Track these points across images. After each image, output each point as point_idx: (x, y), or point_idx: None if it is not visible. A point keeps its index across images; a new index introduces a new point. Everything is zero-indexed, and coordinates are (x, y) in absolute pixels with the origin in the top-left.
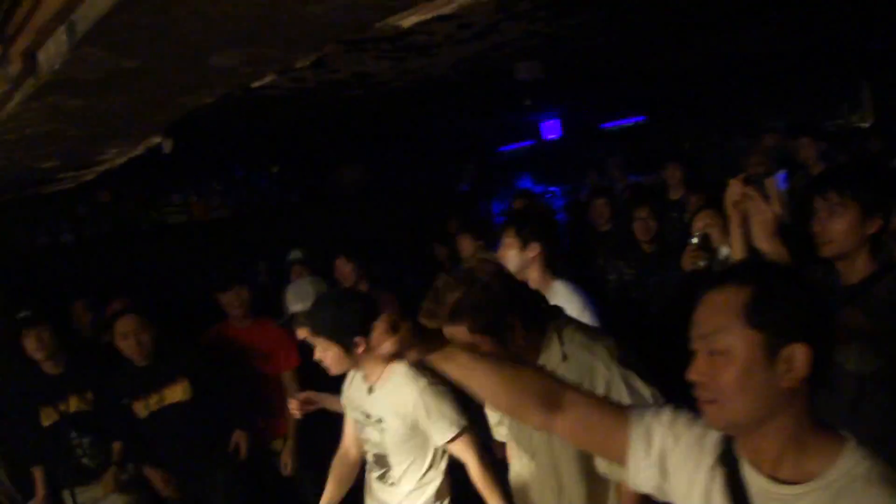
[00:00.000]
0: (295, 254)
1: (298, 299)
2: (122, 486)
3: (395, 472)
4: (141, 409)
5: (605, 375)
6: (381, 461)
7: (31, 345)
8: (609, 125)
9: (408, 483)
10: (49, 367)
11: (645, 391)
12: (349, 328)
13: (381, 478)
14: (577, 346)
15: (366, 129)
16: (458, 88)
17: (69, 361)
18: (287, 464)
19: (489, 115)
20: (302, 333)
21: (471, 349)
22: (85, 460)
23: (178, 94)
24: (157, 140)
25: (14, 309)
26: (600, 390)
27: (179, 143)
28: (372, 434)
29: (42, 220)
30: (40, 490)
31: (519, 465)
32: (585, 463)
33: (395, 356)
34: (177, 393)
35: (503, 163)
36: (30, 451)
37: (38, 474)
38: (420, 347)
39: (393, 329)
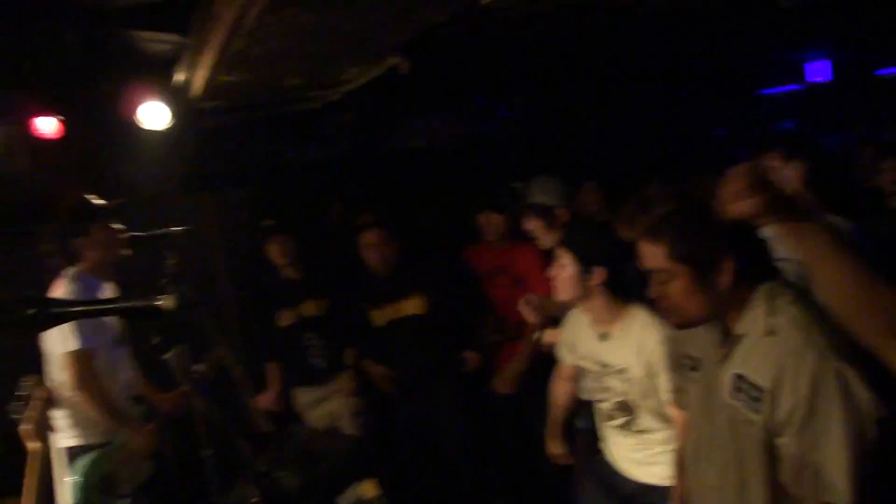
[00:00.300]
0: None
1: (542, 192)
2: (353, 390)
3: (642, 420)
4: (378, 317)
5: (815, 367)
6: (625, 408)
7: (275, 252)
8: (887, 71)
9: (656, 429)
10: (289, 273)
11: (862, 394)
12: (597, 254)
13: (625, 426)
14: (789, 322)
15: (610, 63)
16: (714, 16)
17: (308, 269)
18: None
19: (748, 50)
20: (532, 224)
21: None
22: (316, 361)
23: (408, 11)
24: (394, 60)
25: (261, 218)
26: (803, 381)
27: (420, 67)
28: (613, 383)
29: (290, 138)
30: (273, 385)
31: (694, 447)
32: (772, 471)
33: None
34: (411, 307)
35: (762, 108)
36: (267, 348)
37: (272, 370)
38: (778, 214)
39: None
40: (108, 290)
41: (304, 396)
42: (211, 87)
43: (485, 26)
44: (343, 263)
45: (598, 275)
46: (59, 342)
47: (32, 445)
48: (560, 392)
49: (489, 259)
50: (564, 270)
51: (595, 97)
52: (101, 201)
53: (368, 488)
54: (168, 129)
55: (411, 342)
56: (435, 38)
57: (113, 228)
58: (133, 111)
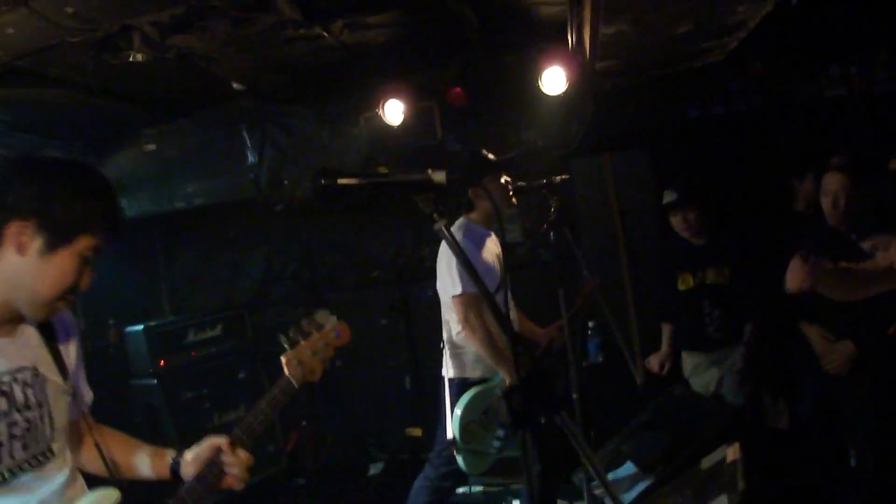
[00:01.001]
0: None
1: None
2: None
3: None
4: None
5: None
6: None
7: (677, 224)
8: None
9: None
10: (693, 239)
11: None
12: None
13: None
14: None
15: None
16: None
17: (712, 235)
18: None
19: None
20: None
21: None
22: (710, 330)
23: None
24: None
25: (661, 181)
26: None
27: (836, 9)
28: None
29: (693, 95)
30: (665, 345)
31: None
32: None
33: None
34: None
35: None
36: (663, 309)
37: (666, 331)
38: None
39: None
40: (492, 239)
41: (692, 361)
42: (601, 45)
43: None
44: (752, 232)
45: None
46: (448, 287)
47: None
48: None
49: None
50: None
51: None
52: (493, 156)
53: (731, 451)
54: (566, 93)
55: None
56: None
57: (503, 182)
58: (532, 78)
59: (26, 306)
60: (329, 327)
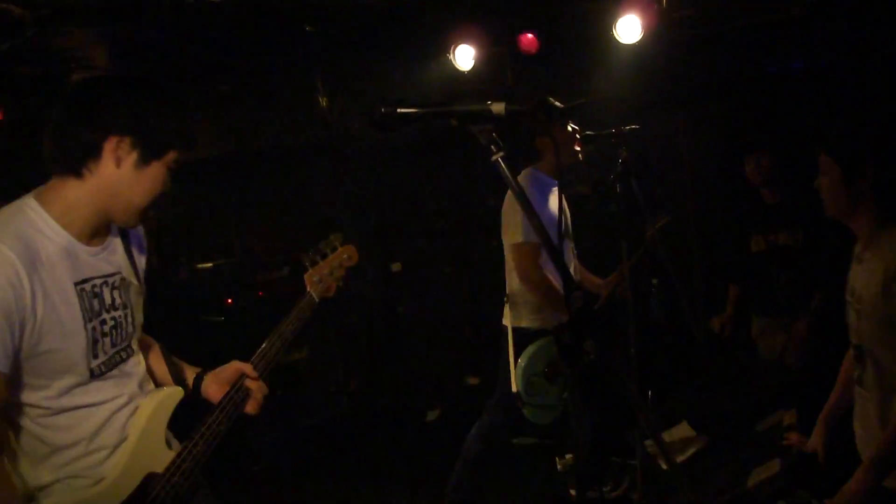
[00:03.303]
0: None
1: None
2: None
3: (868, 374)
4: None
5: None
6: (859, 356)
7: (750, 169)
8: None
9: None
10: (767, 196)
11: None
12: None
13: (859, 381)
14: None
15: None
16: None
17: (787, 194)
18: None
19: None
20: None
21: None
22: (778, 293)
23: None
24: None
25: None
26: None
27: None
28: (850, 317)
29: (772, 49)
30: (729, 307)
31: None
32: None
33: None
34: None
35: None
36: (731, 270)
37: (732, 293)
38: None
39: None
40: (557, 190)
41: (760, 323)
42: None
43: None
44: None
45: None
46: (509, 235)
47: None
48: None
49: None
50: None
51: None
52: (560, 105)
53: (788, 417)
54: (641, 42)
55: None
56: None
57: (571, 131)
58: (606, 26)
59: (121, 214)
60: (341, 249)
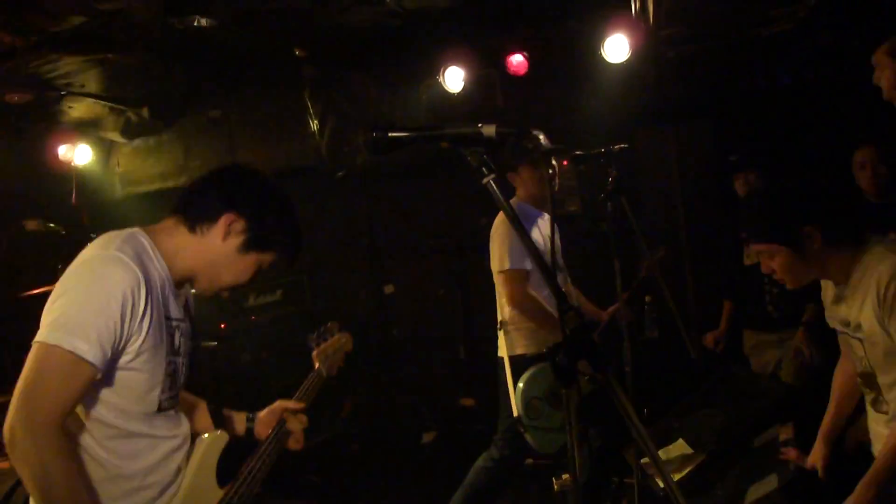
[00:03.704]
0: None
1: None
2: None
3: (889, 397)
4: None
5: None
6: (869, 382)
7: (739, 187)
8: None
9: None
10: None
11: None
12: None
13: (874, 403)
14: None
15: None
16: None
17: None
18: None
19: None
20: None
21: None
22: (770, 308)
23: None
24: None
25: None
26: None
27: None
28: (855, 346)
29: (761, 65)
30: (723, 322)
31: None
32: None
33: None
34: None
35: None
36: (725, 285)
37: (726, 308)
38: None
39: None
40: (544, 220)
41: (753, 339)
42: (666, 10)
43: None
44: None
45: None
46: (496, 262)
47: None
48: (839, 376)
49: None
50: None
51: None
52: (540, 139)
53: (784, 432)
54: (629, 61)
55: None
56: None
57: (542, 170)
58: (594, 45)
59: (204, 282)
60: (339, 335)
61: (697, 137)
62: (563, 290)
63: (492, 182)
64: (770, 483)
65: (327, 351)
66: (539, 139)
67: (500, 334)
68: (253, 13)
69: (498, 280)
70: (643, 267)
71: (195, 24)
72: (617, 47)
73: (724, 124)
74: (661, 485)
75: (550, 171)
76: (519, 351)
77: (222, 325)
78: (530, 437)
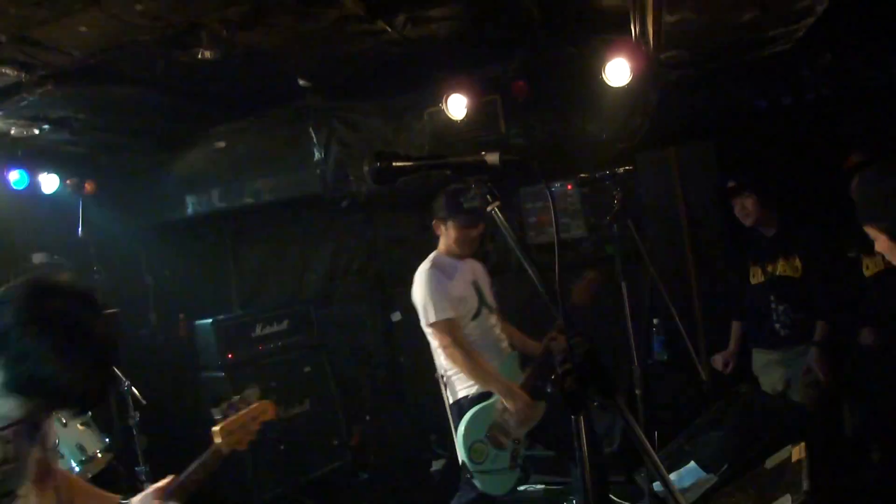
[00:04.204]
0: None
1: None
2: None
3: None
4: None
5: None
6: None
7: (738, 211)
8: None
9: None
10: (764, 230)
11: None
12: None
13: None
14: None
15: None
16: None
17: (783, 226)
18: None
19: None
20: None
21: None
22: (778, 326)
23: None
24: None
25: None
26: None
27: None
28: None
29: (761, 85)
30: (732, 343)
31: None
32: None
33: None
34: None
35: None
36: (733, 305)
37: (735, 329)
38: None
39: None
40: (467, 265)
41: (761, 358)
42: (665, 34)
43: None
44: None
45: None
46: (423, 318)
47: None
48: None
49: None
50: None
51: None
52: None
53: (797, 451)
54: (630, 85)
55: None
56: None
57: (470, 231)
58: (595, 70)
59: None
60: (258, 404)
61: (700, 159)
62: (499, 330)
63: (496, 209)
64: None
65: (233, 426)
66: (486, 197)
67: (442, 385)
68: (256, 45)
69: (429, 334)
70: (573, 292)
71: (199, 56)
72: (618, 71)
73: (725, 145)
74: None
75: (469, 232)
76: (461, 394)
77: (229, 356)
78: (479, 482)
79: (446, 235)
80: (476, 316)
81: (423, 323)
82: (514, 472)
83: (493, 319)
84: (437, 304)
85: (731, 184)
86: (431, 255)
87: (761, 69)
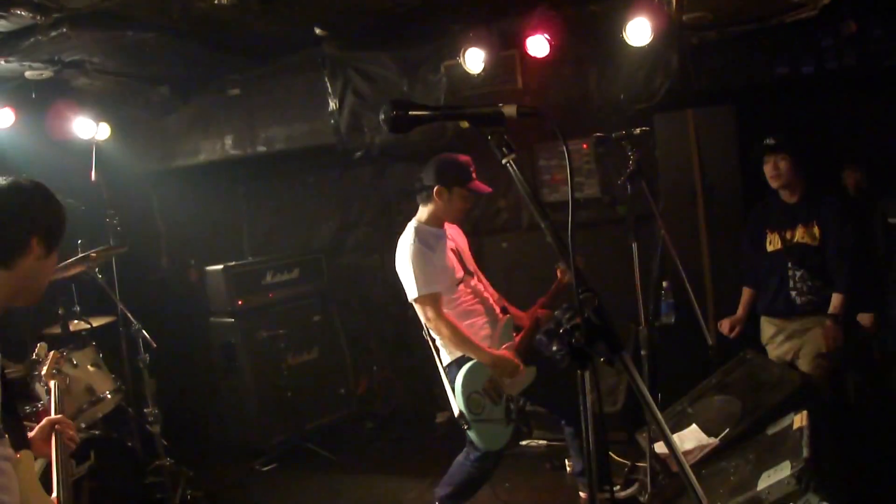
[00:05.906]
0: None
1: None
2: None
3: None
4: None
5: None
6: None
7: (769, 171)
8: None
9: None
10: (786, 196)
11: None
12: None
13: None
14: None
15: None
16: None
17: (805, 193)
18: None
19: None
20: None
21: None
22: (793, 294)
23: None
24: None
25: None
26: None
27: None
28: None
29: (783, 52)
30: (741, 309)
31: None
32: None
33: None
34: None
35: None
36: (748, 272)
37: (745, 295)
38: None
39: None
40: (452, 232)
41: (770, 327)
42: None
43: None
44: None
45: None
46: (408, 292)
47: None
48: None
49: None
50: None
51: None
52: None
53: (799, 419)
54: (650, 45)
55: None
56: None
57: (471, 197)
58: (616, 29)
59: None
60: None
61: (718, 123)
62: (485, 294)
63: (512, 162)
64: (783, 470)
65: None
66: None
67: (434, 351)
68: None
69: (415, 306)
70: (558, 273)
71: (216, 2)
72: (639, 31)
73: (745, 111)
74: (675, 469)
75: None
76: (453, 357)
77: (239, 302)
78: (474, 434)
79: (446, 202)
80: (460, 282)
81: (408, 297)
82: (508, 427)
83: (474, 282)
84: (419, 278)
85: (769, 140)
86: (413, 226)
87: (784, 35)
